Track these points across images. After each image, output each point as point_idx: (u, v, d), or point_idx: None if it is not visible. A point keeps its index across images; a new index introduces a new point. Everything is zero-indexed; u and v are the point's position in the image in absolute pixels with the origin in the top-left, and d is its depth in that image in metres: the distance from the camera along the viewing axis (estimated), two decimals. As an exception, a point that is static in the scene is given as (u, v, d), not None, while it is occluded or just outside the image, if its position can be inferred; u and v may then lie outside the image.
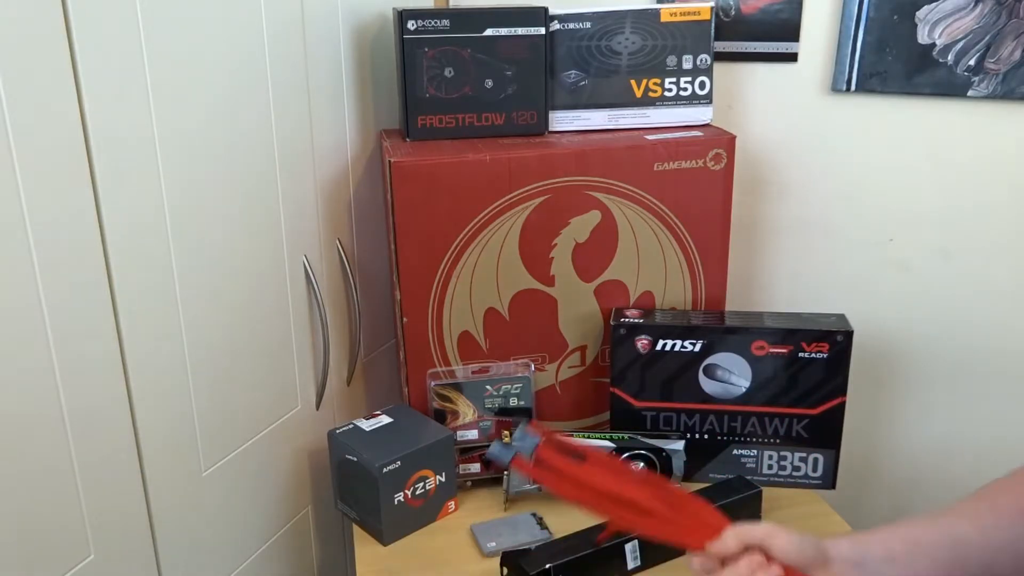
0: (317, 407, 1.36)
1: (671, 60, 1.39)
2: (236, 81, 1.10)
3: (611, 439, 1.31)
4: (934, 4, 1.35)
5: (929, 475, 1.61)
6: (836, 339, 1.29)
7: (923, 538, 0.77)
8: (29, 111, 0.83)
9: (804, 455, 1.36)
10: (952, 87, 1.38)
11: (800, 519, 1.30)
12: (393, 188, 1.26)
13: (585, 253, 1.36)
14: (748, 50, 1.48)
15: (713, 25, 1.38)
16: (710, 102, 1.42)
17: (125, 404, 1.00)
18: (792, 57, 1.46)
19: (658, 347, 1.33)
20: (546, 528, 1.27)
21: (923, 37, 1.37)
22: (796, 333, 1.30)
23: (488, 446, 1.36)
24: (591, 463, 0.81)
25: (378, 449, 1.25)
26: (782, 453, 1.36)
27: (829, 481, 1.37)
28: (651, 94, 1.40)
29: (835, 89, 1.45)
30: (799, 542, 0.75)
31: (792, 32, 1.45)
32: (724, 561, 0.76)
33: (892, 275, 1.53)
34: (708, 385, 1.35)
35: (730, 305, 1.47)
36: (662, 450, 1.32)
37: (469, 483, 1.38)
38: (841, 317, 1.33)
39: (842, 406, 1.33)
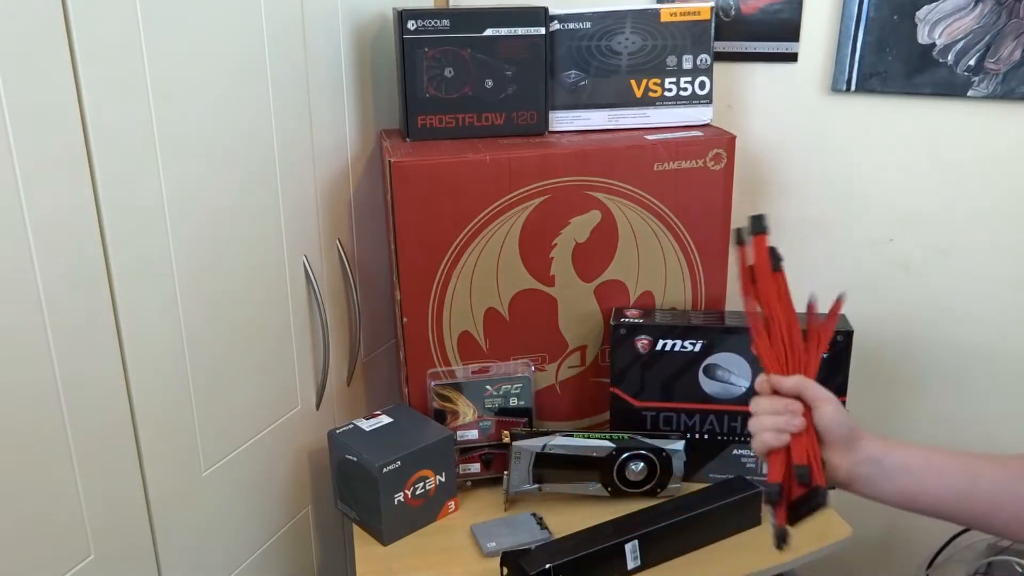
0: (317, 407, 1.36)
1: (671, 60, 1.39)
2: (236, 81, 1.10)
3: (611, 439, 1.31)
4: (934, 4, 1.35)
5: (929, 475, 1.61)
6: (836, 339, 1.29)
7: (943, 463, 0.84)
8: (29, 110, 0.83)
9: (804, 455, 1.36)
10: (952, 87, 1.38)
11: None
12: (393, 188, 1.26)
13: (585, 253, 1.36)
14: (748, 50, 1.48)
15: (713, 25, 1.38)
16: (710, 102, 1.42)
17: (125, 404, 1.00)
18: (792, 57, 1.46)
19: (658, 347, 1.33)
20: (546, 528, 1.27)
21: (923, 37, 1.37)
22: (796, 333, 1.30)
23: (486, 447, 1.36)
24: (770, 275, 0.94)
25: (378, 449, 1.25)
26: (782, 453, 1.36)
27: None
28: (651, 94, 1.40)
29: (835, 89, 1.45)
30: (840, 419, 0.84)
31: (792, 32, 1.45)
32: (774, 392, 0.86)
33: (892, 275, 1.53)
34: (708, 385, 1.35)
35: (730, 305, 1.47)
36: (662, 450, 1.32)
37: (469, 483, 1.38)
38: (841, 317, 1.33)
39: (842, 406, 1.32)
